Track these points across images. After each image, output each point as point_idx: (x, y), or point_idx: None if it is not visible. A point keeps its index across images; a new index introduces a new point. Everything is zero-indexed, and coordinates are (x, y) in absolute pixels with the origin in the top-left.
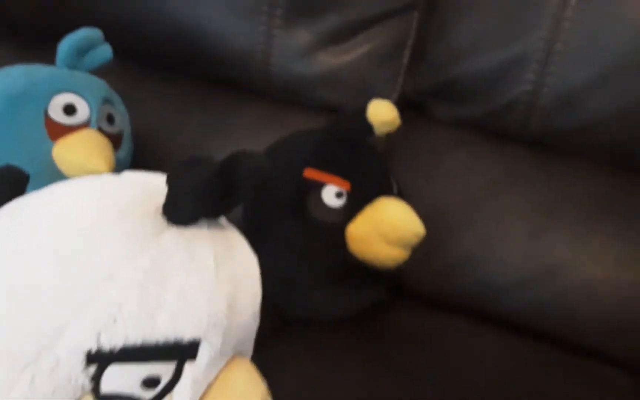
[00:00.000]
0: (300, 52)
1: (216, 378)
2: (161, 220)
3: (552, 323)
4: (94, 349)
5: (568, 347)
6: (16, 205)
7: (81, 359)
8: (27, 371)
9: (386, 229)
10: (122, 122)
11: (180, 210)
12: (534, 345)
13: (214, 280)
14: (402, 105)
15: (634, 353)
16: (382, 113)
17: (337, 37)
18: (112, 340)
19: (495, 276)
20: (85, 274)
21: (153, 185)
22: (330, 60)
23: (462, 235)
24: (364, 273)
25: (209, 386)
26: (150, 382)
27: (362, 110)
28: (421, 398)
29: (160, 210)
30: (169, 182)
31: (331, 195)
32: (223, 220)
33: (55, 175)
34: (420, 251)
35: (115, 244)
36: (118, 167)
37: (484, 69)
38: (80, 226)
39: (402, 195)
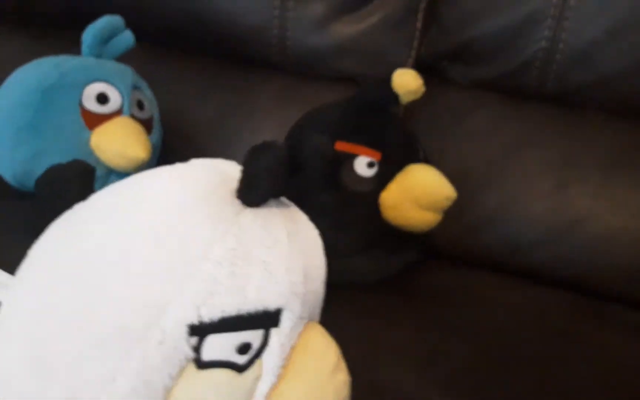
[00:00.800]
0: (315, 24)
1: (296, 341)
2: (237, 202)
3: (577, 273)
4: (195, 321)
5: (593, 295)
6: (107, 194)
7: (184, 331)
8: (139, 346)
9: (418, 194)
10: (151, 106)
11: (255, 192)
12: (562, 294)
13: (289, 253)
14: (419, 70)
15: None
16: (407, 82)
17: (350, 7)
18: (211, 313)
19: (521, 232)
20: (183, 253)
21: (220, 170)
22: (344, 30)
23: (487, 194)
24: (397, 237)
25: (291, 349)
26: (243, 349)
27: (387, 80)
28: (465, 349)
29: (234, 193)
30: (245, 166)
31: (363, 165)
32: (283, 198)
33: (95, 163)
34: (448, 212)
35: (205, 225)
36: (152, 151)
37: (499, 29)
38: (172, 211)
39: (428, 160)
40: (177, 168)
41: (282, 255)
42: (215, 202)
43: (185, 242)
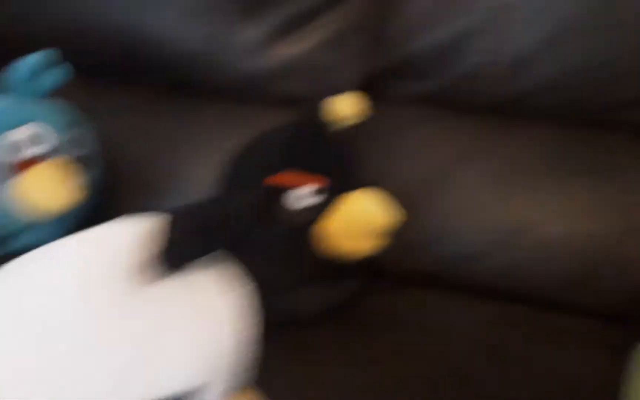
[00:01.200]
0: (254, 47)
1: None
2: (142, 277)
3: (521, 283)
4: None
5: (537, 304)
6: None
7: None
8: None
9: (360, 223)
10: (89, 142)
11: (182, 254)
12: (504, 307)
13: (210, 325)
14: (363, 88)
15: (595, 299)
16: (346, 108)
17: (289, 29)
18: None
19: (464, 246)
20: (74, 358)
21: (110, 239)
22: (285, 52)
23: (430, 211)
24: (339, 266)
25: None
26: None
27: (319, 109)
28: (419, 382)
29: (142, 264)
30: (171, 230)
31: (300, 196)
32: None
33: (16, 214)
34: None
35: (104, 313)
36: (93, 187)
37: (438, 43)
38: (63, 308)
39: (369, 183)
40: (72, 248)
41: (200, 329)
42: (115, 283)
43: (75, 342)
